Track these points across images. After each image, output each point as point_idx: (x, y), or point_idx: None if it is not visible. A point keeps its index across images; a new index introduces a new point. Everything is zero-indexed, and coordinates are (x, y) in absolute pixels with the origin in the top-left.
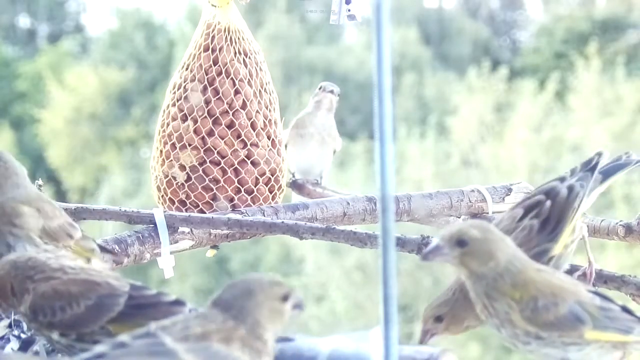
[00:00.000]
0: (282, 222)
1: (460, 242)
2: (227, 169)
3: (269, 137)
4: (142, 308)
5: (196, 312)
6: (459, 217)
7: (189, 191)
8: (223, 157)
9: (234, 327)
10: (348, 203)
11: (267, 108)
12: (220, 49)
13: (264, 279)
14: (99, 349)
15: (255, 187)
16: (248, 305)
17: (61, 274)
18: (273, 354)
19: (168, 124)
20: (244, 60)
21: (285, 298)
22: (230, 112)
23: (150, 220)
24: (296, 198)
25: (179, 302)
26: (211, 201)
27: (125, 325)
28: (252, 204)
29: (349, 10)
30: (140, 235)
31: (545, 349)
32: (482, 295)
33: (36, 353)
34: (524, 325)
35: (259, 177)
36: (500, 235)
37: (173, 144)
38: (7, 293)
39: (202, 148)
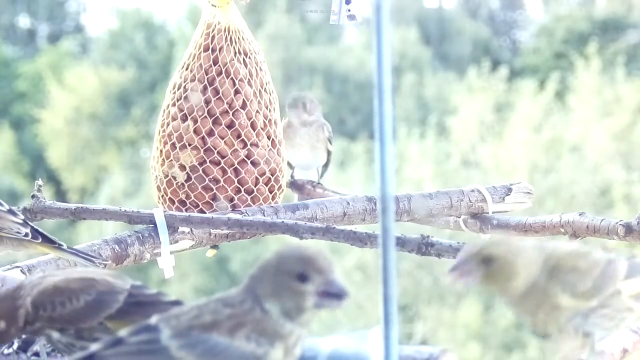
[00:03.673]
0: (282, 221)
1: (485, 260)
2: (227, 168)
3: (269, 137)
4: (140, 306)
5: (222, 294)
6: (459, 217)
7: (189, 191)
8: (223, 157)
9: (250, 309)
10: (348, 203)
11: (267, 108)
12: (220, 49)
13: (291, 252)
14: (94, 347)
15: (255, 187)
16: (262, 278)
17: (61, 273)
18: (287, 334)
19: (168, 124)
20: (244, 60)
21: (301, 277)
22: (230, 112)
23: (150, 220)
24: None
25: (177, 302)
26: (211, 201)
27: (123, 322)
28: (252, 204)
29: (349, 10)
30: (140, 235)
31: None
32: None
33: (36, 354)
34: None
35: (259, 177)
36: (521, 247)
37: (173, 144)
38: (20, 321)
39: (202, 148)
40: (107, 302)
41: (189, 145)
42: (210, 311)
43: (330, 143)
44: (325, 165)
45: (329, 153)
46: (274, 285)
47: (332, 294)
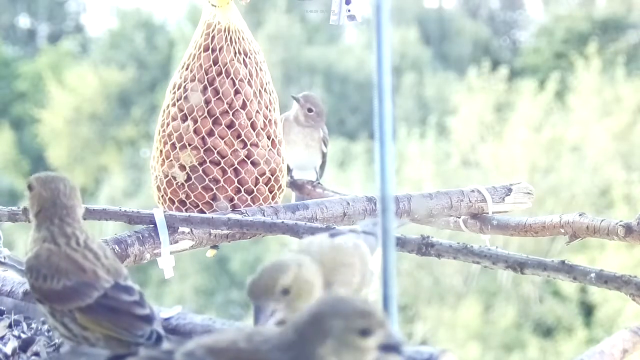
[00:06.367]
0: (282, 222)
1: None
2: (227, 168)
3: (269, 137)
4: (107, 309)
5: (264, 331)
6: (459, 217)
7: (189, 191)
8: (223, 157)
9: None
10: (348, 203)
11: (267, 108)
12: (220, 49)
13: (345, 303)
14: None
15: (255, 187)
16: (314, 334)
17: (64, 243)
18: None
19: (168, 124)
20: (244, 60)
21: (364, 332)
22: (230, 112)
23: (150, 221)
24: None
25: (147, 319)
26: (211, 201)
27: (89, 318)
28: (252, 204)
29: (349, 11)
30: (140, 235)
31: None
32: None
33: (36, 354)
34: None
35: (258, 177)
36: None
37: (173, 144)
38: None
39: (202, 148)
40: (81, 294)
41: (189, 145)
42: (230, 339)
43: (325, 145)
44: (322, 168)
45: (323, 155)
46: (334, 344)
47: (391, 347)
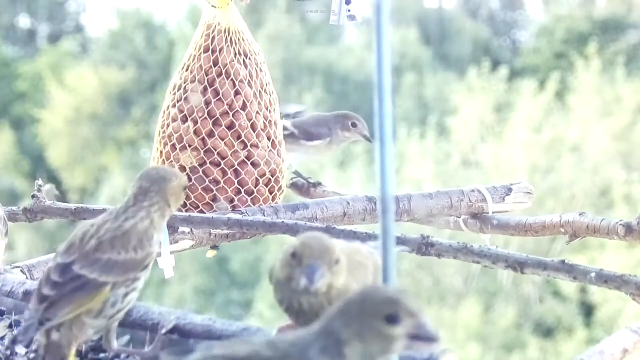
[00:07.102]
0: (282, 221)
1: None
2: (227, 169)
3: (269, 138)
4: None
5: (293, 336)
6: (459, 217)
7: (189, 192)
8: (223, 158)
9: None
10: (348, 203)
11: (267, 109)
12: (220, 50)
13: (379, 292)
14: None
15: (255, 187)
16: (346, 320)
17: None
18: None
19: (168, 125)
20: (244, 61)
21: (391, 319)
22: (230, 113)
23: None
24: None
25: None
26: (211, 202)
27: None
28: (252, 205)
29: (349, 11)
30: None
31: None
32: None
33: (36, 352)
34: None
35: (259, 177)
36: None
37: (173, 145)
38: None
39: (202, 149)
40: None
41: (189, 146)
42: (249, 349)
43: None
44: None
45: None
46: (359, 327)
47: (423, 338)
